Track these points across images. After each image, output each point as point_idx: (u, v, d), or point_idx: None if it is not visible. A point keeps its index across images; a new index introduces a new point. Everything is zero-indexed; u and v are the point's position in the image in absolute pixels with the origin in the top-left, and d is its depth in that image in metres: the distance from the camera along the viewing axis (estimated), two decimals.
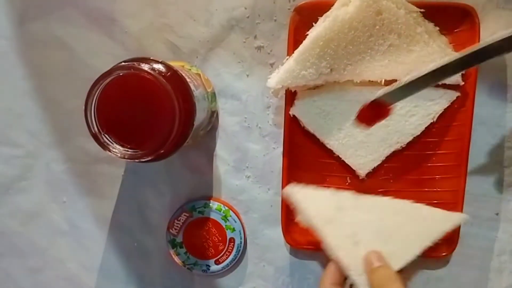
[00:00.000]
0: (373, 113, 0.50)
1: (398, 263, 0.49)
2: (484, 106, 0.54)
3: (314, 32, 0.49)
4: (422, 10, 0.49)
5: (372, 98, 0.47)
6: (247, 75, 0.55)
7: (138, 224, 0.59)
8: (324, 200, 0.52)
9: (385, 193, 0.54)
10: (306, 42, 0.49)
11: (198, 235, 0.58)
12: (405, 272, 0.48)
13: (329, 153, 0.54)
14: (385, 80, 0.51)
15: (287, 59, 0.51)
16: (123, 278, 0.61)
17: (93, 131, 0.43)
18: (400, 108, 0.52)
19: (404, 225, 0.50)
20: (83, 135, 0.57)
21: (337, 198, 0.52)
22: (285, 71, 0.50)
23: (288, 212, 0.55)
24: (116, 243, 0.60)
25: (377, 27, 0.48)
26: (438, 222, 0.51)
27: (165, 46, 0.55)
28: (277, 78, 0.50)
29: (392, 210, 0.51)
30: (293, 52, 0.50)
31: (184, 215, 0.57)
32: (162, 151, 0.43)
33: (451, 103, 0.52)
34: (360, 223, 0.51)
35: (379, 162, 0.54)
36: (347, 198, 0.52)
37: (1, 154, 0.60)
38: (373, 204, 0.51)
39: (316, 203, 0.52)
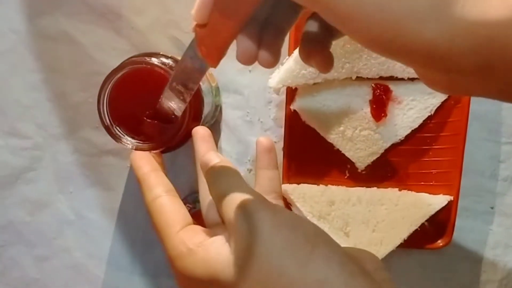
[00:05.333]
0: (378, 105, 0.52)
1: (386, 248, 0.53)
2: (480, 102, 0.55)
3: None
4: None
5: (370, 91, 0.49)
6: (250, 71, 0.57)
7: (143, 214, 0.61)
8: (317, 197, 0.54)
9: (383, 186, 0.55)
10: None
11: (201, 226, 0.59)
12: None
13: (329, 147, 0.55)
14: (381, 76, 0.52)
15: (287, 59, 0.52)
16: (128, 266, 0.62)
17: (106, 123, 0.45)
18: (398, 102, 0.53)
19: (391, 212, 0.53)
20: (90, 127, 0.59)
21: (329, 194, 0.55)
22: (285, 71, 0.51)
23: (288, 204, 0.56)
24: (121, 233, 0.62)
25: None
26: (424, 206, 0.53)
27: (170, 41, 0.56)
28: (278, 78, 0.51)
29: (379, 199, 0.53)
30: (294, 49, 0.51)
31: (187, 206, 0.58)
32: (172, 144, 0.44)
33: (448, 98, 0.53)
34: (350, 214, 0.54)
35: (378, 156, 0.55)
36: (338, 192, 0.55)
37: (9, 145, 0.61)
38: (361, 196, 0.54)
39: (310, 200, 0.54)
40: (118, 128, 0.45)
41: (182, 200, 0.58)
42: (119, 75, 0.43)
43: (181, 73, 0.38)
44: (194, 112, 0.45)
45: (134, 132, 0.45)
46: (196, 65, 0.37)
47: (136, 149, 0.44)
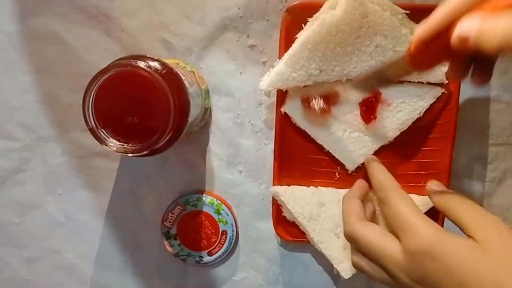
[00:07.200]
0: (368, 107, 0.53)
1: None
2: (469, 105, 0.55)
3: (303, 36, 0.50)
4: (407, 11, 0.50)
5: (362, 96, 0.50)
6: (240, 73, 0.57)
7: (133, 216, 0.61)
8: (307, 198, 0.55)
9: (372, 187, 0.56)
10: (295, 46, 0.51)
11: (192, 228, 0.59)
12: None
13: (319, 148, 0.56)
14: None
15: (278, 62, 0.52)
16: (119, 267, 0.62)
17: (90, 126, 0.44)
18: (388, 104, 0.54)
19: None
20: (79, 129, 0.59)
21: (319, 195, 0.55)
22: (276, 74, 0.51)
23: (279, 206, 0.57)
24: (111, 234, 0.62)
25: (364, 29, 0.49)
26: None
27: (160, 43, 0.57)
28: (269, 81, 0.52)
29: (369, 200, 0.54)
30: (284, 51, 0.52)
31: (178, 208, 0.59)
32: (157, 146, 0.44)
33: (437, 101, 0.54)
34: (340, 215, 0.54)
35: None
36: (328, 194, 0.55)
37: None
38: None
39: (300, 202, 0.54)
40: (103, 130, 0.44)
41: (173, 202, 0.59)
42: (104, 77, 0.43)
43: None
44: (180, 114, 0.45)
45: (120, 134, 0.45)
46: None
47: (120, 152, 0.44)
